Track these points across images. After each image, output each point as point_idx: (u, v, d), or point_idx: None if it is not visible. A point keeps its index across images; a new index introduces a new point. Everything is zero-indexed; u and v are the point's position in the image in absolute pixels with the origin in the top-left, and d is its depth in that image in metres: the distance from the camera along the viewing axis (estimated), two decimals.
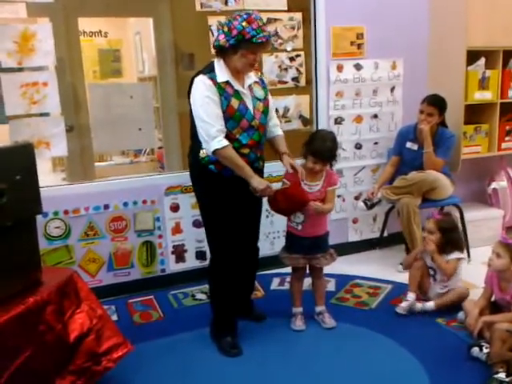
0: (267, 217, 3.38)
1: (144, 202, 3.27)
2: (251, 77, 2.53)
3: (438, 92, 3.54)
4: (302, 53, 3.53)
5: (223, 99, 2.38)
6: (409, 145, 3.60)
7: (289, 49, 3.49)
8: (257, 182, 2.42)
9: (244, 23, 2.32)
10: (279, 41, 3.45)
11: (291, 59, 3.51)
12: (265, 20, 3.28)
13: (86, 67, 4.37)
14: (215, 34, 2.65)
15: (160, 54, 4.28)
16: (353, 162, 3.80)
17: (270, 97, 2.65)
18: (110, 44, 5.70)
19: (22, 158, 2.00)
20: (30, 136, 2.91)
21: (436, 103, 3.46)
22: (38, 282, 2.08)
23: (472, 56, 3.67)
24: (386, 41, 3.68)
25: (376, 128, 3.82)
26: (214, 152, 2.37)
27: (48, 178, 4.08)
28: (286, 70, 3.51)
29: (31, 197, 2.04)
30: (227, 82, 2.41)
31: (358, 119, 3.75)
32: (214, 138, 2.35)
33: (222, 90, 2.39)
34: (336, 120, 3.68)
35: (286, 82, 3.52)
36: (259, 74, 2.64)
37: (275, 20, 3.41)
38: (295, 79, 3.55)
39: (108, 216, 3.20)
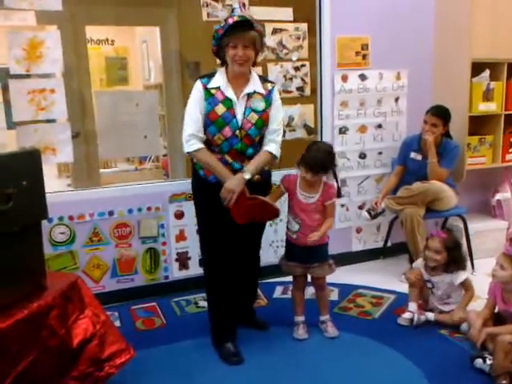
0: (271, 225, 3.39)
1: (148, 208, 3.28)
2: (252, 86, 2.45)
3: (442, 103, 3.55)
4: (307, 63, 3.56)
5: (207, 104, 2.40)
6: (413, 155, 3.61)
7: (294, 59, 3.51)
8: (227, 184, 2.38)
9: (222, 23, 2.37)
10: (284, 51, 3.48)
11: (296, 69, 3.54)
12: (270, 30, 3.39)
13: (92, 75, 4.43)
14: None
15: (166, 62, 4.33)
16: (357, 171, 3.80)
17: (275, 111, 2.52)
18: (116, 52, 5.77)
19: (29, 163, 2.01)
20: (37, 142, 2.93)
21: (440, 114, 3.48)
22: (42, 286, 2.09)
23: (477, 68, 3.68)
24: (391, 51, 3.71)
25: (380, 138, 3.83)
26: (189, 154, 2.46)
27: (53, 184, 4.09)
28: (291, 79, 3.53)
29: (37, 202, 2.05)
30: (218, 88, 2.42)
31: (363, 129, 3.77)
32: (187, 141, 2.42)
33: (210, 95, 2.41)
34: (340, 130, 3.69)
35: (290, 92, 3.55)
36: (271, 85, 2.54)
37: (281, 30, 3.44)
38: (300, 89, 3.57)
39: (112, 222, 3.21)
